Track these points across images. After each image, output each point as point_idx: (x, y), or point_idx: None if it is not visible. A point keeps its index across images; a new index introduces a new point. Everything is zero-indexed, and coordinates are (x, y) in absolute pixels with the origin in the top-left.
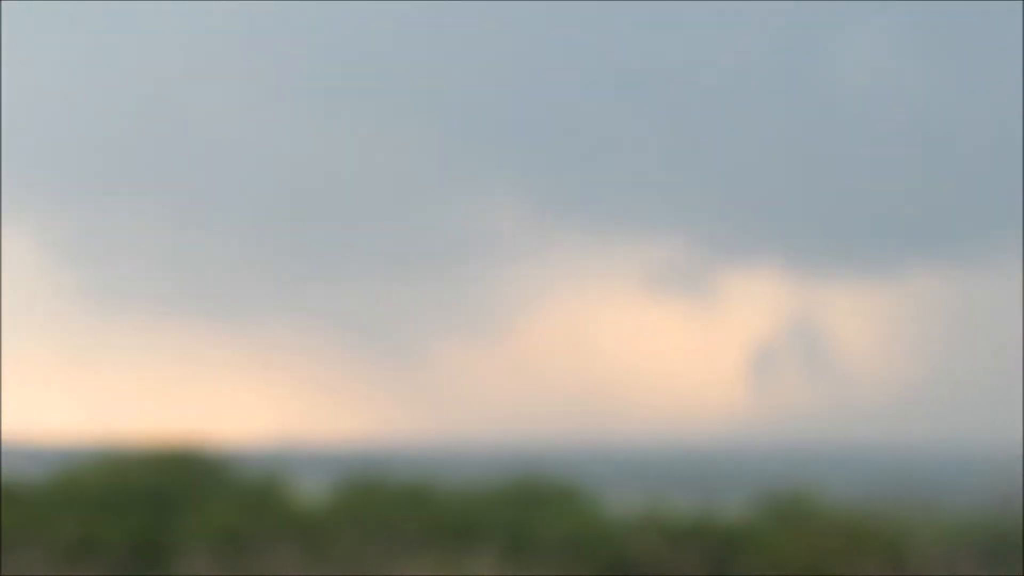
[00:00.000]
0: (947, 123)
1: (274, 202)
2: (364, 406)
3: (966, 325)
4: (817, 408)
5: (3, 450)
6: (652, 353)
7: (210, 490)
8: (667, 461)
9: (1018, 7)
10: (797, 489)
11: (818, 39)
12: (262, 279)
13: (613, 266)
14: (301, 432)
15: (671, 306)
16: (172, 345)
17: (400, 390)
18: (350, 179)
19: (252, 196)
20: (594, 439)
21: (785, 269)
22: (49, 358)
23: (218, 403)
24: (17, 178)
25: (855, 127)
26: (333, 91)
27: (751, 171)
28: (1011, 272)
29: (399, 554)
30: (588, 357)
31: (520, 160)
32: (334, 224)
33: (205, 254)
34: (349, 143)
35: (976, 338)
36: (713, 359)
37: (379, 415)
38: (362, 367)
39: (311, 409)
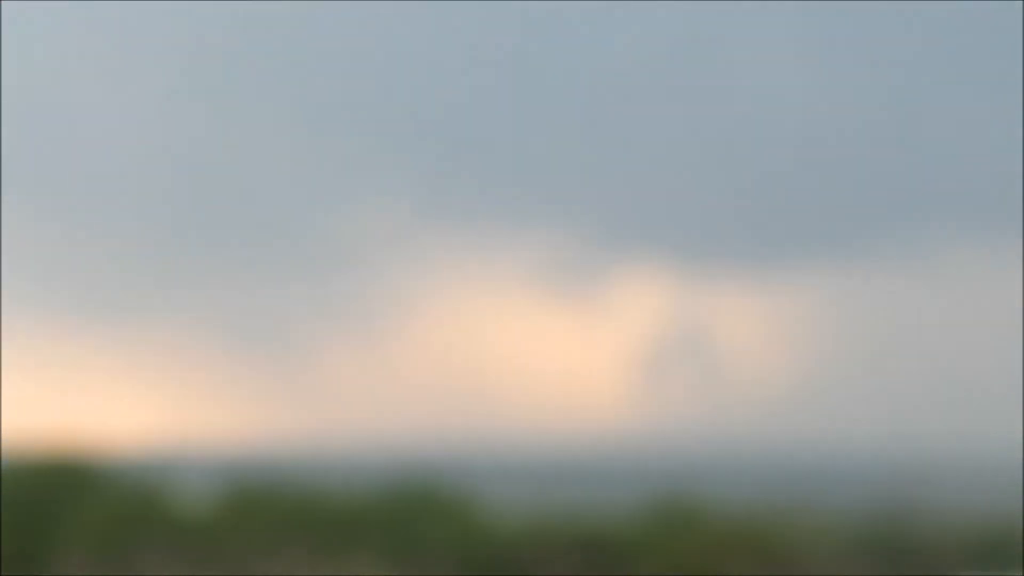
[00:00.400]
0: (839, 123)
1: (158, 204)
2: (249, 410)
3: (856, 326)
4: (706, 410)
5: None
6: (538, 353)
7: (91, 496)
8: (551, 465)
9: (910, 7)
10: (685, 493)
11: (713, 37)
12: (145, 282)
13: (498, 266)
14: (186, 437)
15: (557, 305)
16: (53, 348)
17: (285, 394)
18: (233, 181)
19: (135, 197)
20: (479, 442)
21: (674, 268)
22: None
23: (100, 407)
24: None
25: (746, 125)
26: (212, 92)
27: (639, 169)
28: (901, 272)
29: (283, 561)
30: (473, 359)
31: (402, 160)
32: (218, 226)
33: (86, 255)
34: (229, 146)
35: (866, 339)
36: (600, 359)
37: (264, 419)
38: (247, 371)
39: (196, 413)
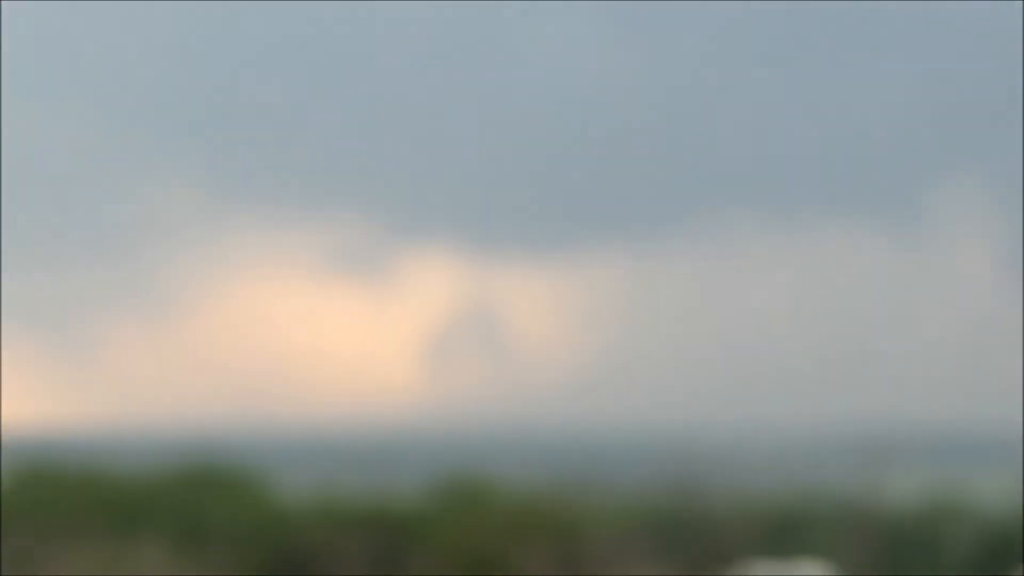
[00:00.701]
0: (626, 113)
1: None
2: (39, 392)
3: (642, 309)
4: (494, 391)
5: None
6: (329, 336)
7: None
8: (343, 446)
9: (700, 7)
10: (472, 474)
11: (502, 32)
12: None
13: (291, 249)
14: None
15: (349, 289)
16: None
17: (75, 376)
18: (23, 162)
19: None
20: (269, 424)
21: (463, 252)
22: None
23: None
24: None
25: (535, 114)
26: (8, 74)
27: (429, 155)
28: (690, 256)
29: (71, 542)
30: (265, 341)
31: (196, 145)
32: (6, 208)
33: None
34: (23, 126)
35: (655, 321)
36: (390, 342)
37: (54, 401)
38: (36, 352)
39: None
